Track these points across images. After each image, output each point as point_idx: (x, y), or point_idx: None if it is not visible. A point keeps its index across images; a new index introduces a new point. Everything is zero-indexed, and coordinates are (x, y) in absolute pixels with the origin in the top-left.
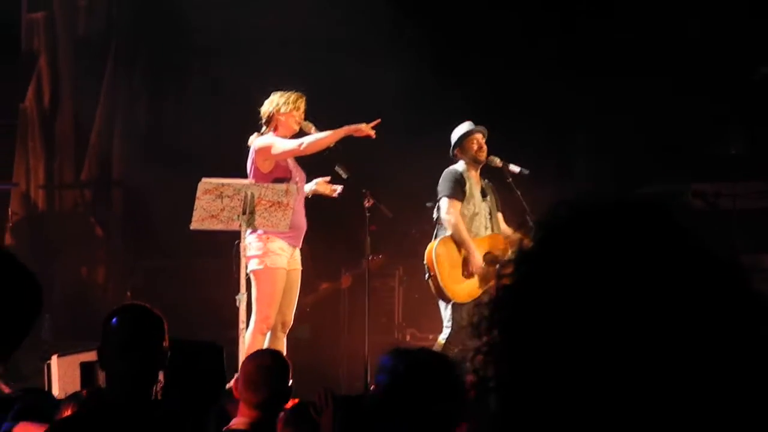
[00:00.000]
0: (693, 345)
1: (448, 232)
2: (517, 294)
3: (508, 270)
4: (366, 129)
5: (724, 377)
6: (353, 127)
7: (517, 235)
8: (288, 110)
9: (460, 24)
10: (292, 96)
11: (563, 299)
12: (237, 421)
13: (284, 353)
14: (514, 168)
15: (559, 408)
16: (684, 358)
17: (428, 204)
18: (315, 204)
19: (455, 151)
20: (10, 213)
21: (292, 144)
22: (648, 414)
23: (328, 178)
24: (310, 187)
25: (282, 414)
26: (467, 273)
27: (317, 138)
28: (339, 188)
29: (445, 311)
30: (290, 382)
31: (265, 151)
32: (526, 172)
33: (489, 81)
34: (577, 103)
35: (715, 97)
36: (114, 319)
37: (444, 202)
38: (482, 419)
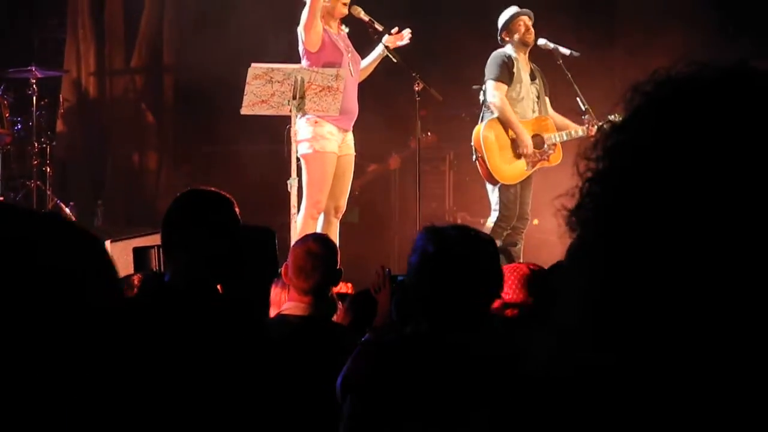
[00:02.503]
0: None
1: (495, 115)
2: (633, 149)
3: (616, 134)
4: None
5: None
6: None
7: (565, 119)
8: None
9: None
10: None
11: (680, 165)
12: (290, 306)
13: (337, 238)
14: (565, 50)
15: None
16: None
17: (475, 87)
18: (365, 88)
19: (502, 35)
20: (61, 100)
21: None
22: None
23: (395, 29)
24: (377, 51)
25: (336, 301)
26: (515, 155)
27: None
28: (407, 31)
29: (493, 194)
30: (338, 264)
31: (304, 25)
32: (577, 54)
33: None
34: None
35: None
36: (181, 202)
37: (490, 85)
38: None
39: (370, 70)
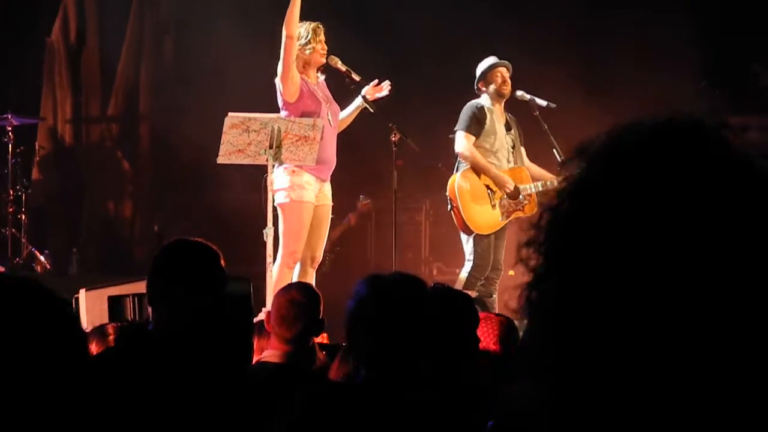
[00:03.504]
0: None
1: (469, 165)
2: (570, 220)
3: (561, 195)
4: None
5: None
6: None
7: (541, 169)
8: (308, 42)
9: None
10: (311, 27)
11: (618, 227)
12: (269, 354)
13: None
14: (541, 102)
15: (608, 337)
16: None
17: (451, 136)
18: (341, 139)
19: (479, 85)
20: (37, 147)
21: (283, 46)
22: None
23: (374, 82)
24: (356, 102)
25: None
26: (490, 204)
27: (288, 15)
28: (386, 83)
29: (467, 244)
30: (321, 314)
31: (281, 76)
32: (553, 105)
33: (516, 15)
34: (602, 41)
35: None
36: (168, 252)
37: (458, 135)
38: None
39: (350, 120)
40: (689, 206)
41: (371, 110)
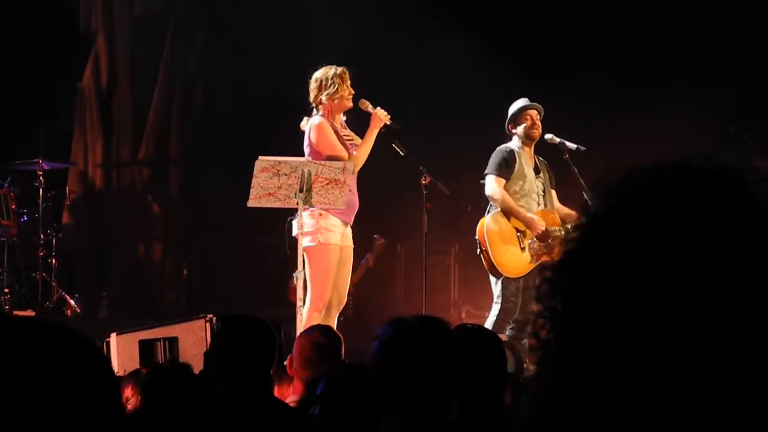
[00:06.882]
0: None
1: (499, 208)
2: (582, 261)
3: (574, 235)
4: (384, 117)
5: None
6: (376, 121)
7: (572, 211)
8: (336, 90)
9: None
10: (336, 73)
11: (631, 268)
12: (292, 399)
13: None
14: (571, 145)
15: (620, 378)
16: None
17: (481, 181)
18: (370, 182)
19: (509, 127)
20: (68, 191)
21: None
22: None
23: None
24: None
25: None
26: (519, 248)
27: (362, 154)
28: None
29: (496, 287)
30: (343, 356)
31: (316, 152)
32: (583, 148)
33: (551, 59)
34: (631, 85)
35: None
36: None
37: (488, 179)
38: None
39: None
40: (701, 248)
41: (402, 153)
